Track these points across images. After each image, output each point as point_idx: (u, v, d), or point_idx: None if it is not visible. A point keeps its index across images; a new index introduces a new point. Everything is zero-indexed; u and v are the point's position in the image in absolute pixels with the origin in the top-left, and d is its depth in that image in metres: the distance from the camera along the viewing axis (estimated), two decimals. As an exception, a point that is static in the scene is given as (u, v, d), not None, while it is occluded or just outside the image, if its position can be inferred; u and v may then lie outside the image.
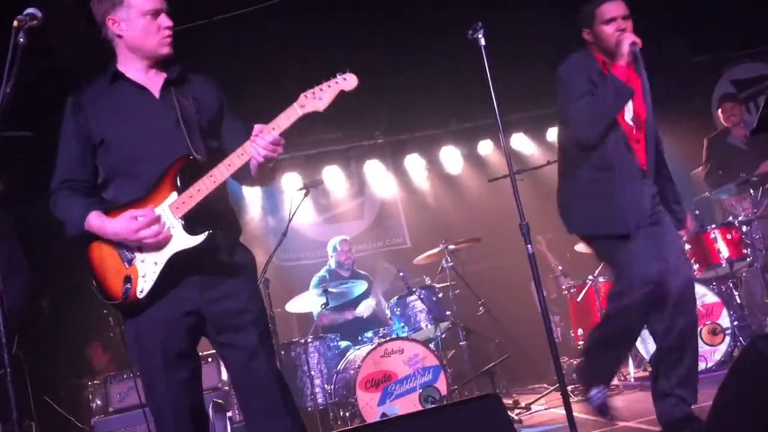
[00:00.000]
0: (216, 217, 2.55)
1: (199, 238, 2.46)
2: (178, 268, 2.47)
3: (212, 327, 2.55)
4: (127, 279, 2.47)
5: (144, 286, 2.46)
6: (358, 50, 6.29)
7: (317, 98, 2.50)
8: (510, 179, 3.33)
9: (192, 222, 2.47)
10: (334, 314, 6.07)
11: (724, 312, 5.15)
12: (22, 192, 4.93)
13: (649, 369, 5.21)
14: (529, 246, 2.91)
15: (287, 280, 7.16)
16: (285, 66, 5.96)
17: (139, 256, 2.48)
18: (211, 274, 2.53)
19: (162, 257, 2.46)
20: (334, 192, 8.12)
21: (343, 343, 5.73)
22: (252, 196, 7.70)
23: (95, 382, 5.00)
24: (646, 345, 5.08)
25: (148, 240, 2.43)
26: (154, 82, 2.62)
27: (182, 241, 2.46)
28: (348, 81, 2.53)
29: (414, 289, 5.60)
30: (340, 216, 8.21)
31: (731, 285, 5.45)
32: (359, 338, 5.61)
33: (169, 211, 2.48)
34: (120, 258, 2.50)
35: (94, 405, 4.91)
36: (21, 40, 2.26)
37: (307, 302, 5.96)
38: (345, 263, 6.45)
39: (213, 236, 2.47)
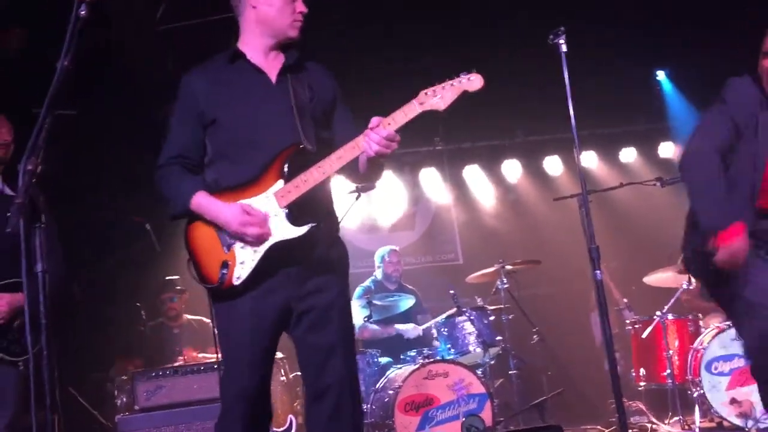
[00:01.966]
0: (319, 209, 2.62)
1: (303, 230, 2.52)
2: (276, 258, 2.54)
3: (296, 322, 2.61)
4: (225, 264, 2.55)
5: (241, 273, 2.53)
6: (422, 48, 6.32)
7: (438, 96, 2.52)
8: (580, 199, 3.29)
9: (296, 212, 2.53)
10: (377, 328, 6.06)
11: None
12: (61, 174, 5.07)
13: (717, 420, 5.08)
14: (597, 272, 2.87)
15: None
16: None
17: (238, 243, 2.55)
18: (307, 267, 2.59)
19: (263, 245, 2.53)
20: (385, 199, 8.12)
21: (384, 360, 5.71)
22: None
23: (122, 377, 5.09)
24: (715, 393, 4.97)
25: (249, 237, 2.51)
26: (272, 65, 2.70)
27: (285, 230, 2.53)
28: (473, 81, 2.55)
29: (464, 309, 5.55)
30: (390, 225, 8.22)
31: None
32: (401, 356, 5.59)
33: (274, 198, 2.54)
34: (220, 242, 2.58)
35: (119, 402, 5.00)
36: (82, 12, 2.31)
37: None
38: (392, 275, 6.45)
39: (316, 228, 2.53)
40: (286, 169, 2.54)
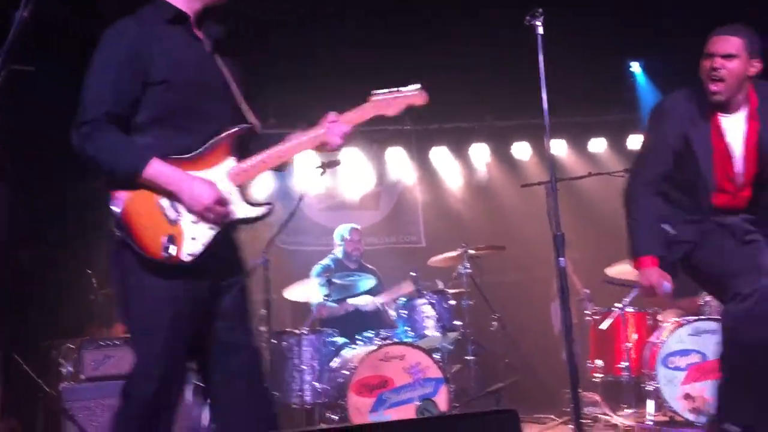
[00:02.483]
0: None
1: (261, 210, 2.53)
2: (222, 239, 2.51)
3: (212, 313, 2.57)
4: (171, 239, 2.44)
5: (193, 249, 2.45)
6: (390, 24, 6.28)
7: (387, 105, 2.66)
8: (547, 187, 3.30)
9: (247, 192, 2.53)
10: (335, 306, 6.05)
11: None
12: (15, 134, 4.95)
13: (670, 414, 5.19)
14: (561, 259, 2.89)
15: (287, 264, 7.14)
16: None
17: (187, 217, 2.47)
18: (234, 254, 2.62)
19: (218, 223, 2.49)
20: (350, 176, 8.07)
21: (341, 340, 5.71)
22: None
23: (68, 345, 5.00)
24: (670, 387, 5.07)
25: (213, 216, 2.46)
26: (204, 36, 2.65)
27: (243, 210, 2.52)
28: (417, 96, 2.70)
29: (425, 293, 5.58)
30: (353, 203, 8.18)
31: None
32: (358, 337, 5.60)
33: (227, 178, 2.52)
34: (163, 214, 2.46)
35: (65, 371, 4.92)
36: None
37: (307, 291, 5.94)
38: (353, 254, 6.44)
39: (272, 209, 2.55)
40: (236, 149, 2.54)
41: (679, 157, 3.25)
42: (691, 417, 5.03)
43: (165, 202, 2.46)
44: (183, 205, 2.46)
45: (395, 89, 2.68)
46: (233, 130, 2.53)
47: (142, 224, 2.45)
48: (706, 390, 5.03)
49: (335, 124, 2.60)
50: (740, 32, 3.18)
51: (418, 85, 2.70)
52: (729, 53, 3.13)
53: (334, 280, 5.74)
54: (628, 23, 6.43)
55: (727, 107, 3.23)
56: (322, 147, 2.64)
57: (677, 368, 5.16)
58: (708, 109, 3.24)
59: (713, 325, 5.04)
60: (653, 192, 3.27)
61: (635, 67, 7.89)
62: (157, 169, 2.43)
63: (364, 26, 6.40)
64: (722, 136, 3.24)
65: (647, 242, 3.24)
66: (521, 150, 8.26)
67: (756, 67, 3.19)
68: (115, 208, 2.45)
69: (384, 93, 2.67)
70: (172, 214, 2.46)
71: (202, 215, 2.45)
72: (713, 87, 3.16)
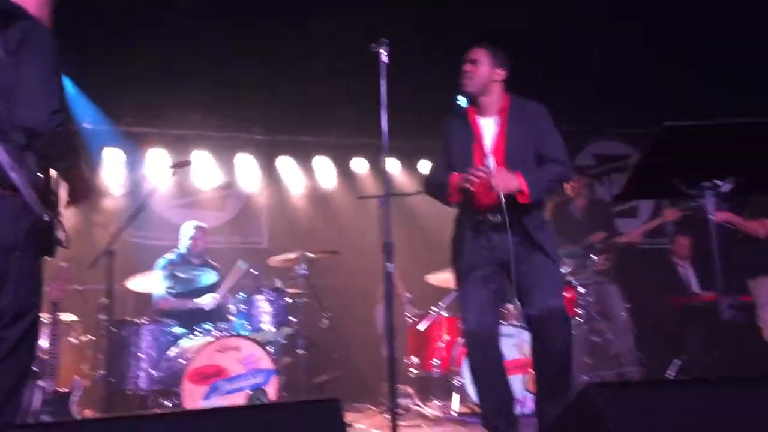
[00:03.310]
0: None
1: None
2: None
3: None
4: None
5: None
6: (245, 34, 6.16)
7: None
8: (381, 200, 3.35)
9: None
10: (177, 300, 5.81)
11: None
12: None
13: (471, 406, 5.39)
14: (389, 264, 2.92)
15: (133, 256, 6.79)
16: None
17: None
18: None
19: None
20: (199, 178, 7.84)
21: (179, 330, 5.50)
22: (115, 162, 7.31)
23: None
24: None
25: None
26: None
27: None
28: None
29: (263, 290, 5.49)
30: (201, 203, 7.93)
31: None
32: (197, 329, 5.41)
33: None
34: None
35: None
36: None
37: (150, 283, 5.68)
38: (196, 251, 6.23)
39: None
40: None
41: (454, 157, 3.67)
42: (489, 409, 5.24)
43: None
44: None
45: None
46: None
47: None
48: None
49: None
50: (485, 45, 3.74)
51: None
52: (474, 59, 3.71)
53: (177, 273, 5.53)
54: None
55: (483, 111, 3.70)
56: None
57: (481, 366, 5.37)
58: (468, 113, 3.74)
59: (512, 330, 5.30)
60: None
61: (462, 101, 8.18)
62: None
63: (215, 35, 6.22)
64: (479, 133, 3.65)
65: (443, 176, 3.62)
66: (359, 165, 8.37)
67: (500, 74, 3.71)
68: None
69: None
70: None
71: None
72: (463, 82, 3.72)
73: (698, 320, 6.39)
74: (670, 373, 5.93)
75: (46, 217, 2.50)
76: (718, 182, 2.49)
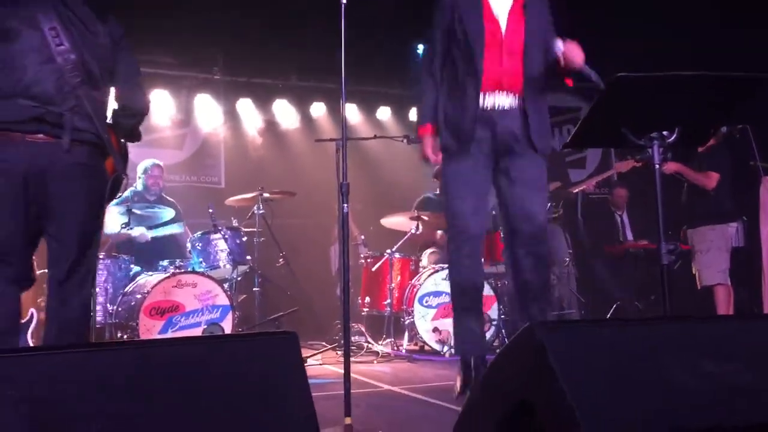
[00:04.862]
0: None
1: None
2: None
3: None
4: None
5: None
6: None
7: None
8: (338, 143, 3.29)
9: None
10: (133, 236, 5.70)
11: (495, 305, 5.52)
12: None
13: (420, 344, 5.48)
14: (345, 205, 2.88)
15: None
16: None
17: None
18: None
19: None
20: (158, 116, 7.62)
21: (136, 267, 5.41)
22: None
23: None
24: (422, 322, 5.35)
25: None
26: None
27: None
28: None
29: (220, 228, 5.42)
30: (158, 142, 7.74)
31: (506, 282, 5.84)
32: (154, 265, 5.33)
33: None
34: None
35: None
36: None
37: (106, 219, 5.52)
38: (152, 188, 6.08)
39: None
40: None
41: (457, 41, 3.20)
42: (437, 347, 5.35)
43: None
44: None
45: None
46: None
47: None
48: (449, 325, 5.36)
49: None
50: None
51: None
52: None
53: (134, 210, 5.40)
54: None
55: None
56: None
57: (429, 306, 5.45)
58: None
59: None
60: (431, 76, 3.31)
61: (420, 49, 8.08)
62: None
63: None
64: (492, 13, 3.18)
65: (427, 113, 3.31)
66: (318, 109, 8.25)
67: None
68: None
69: None
70: None
71: None
72: None
73: (634, 267, 6.58)
74: (609, 316, 6.11)
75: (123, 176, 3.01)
76: (665, 133, 2.50)
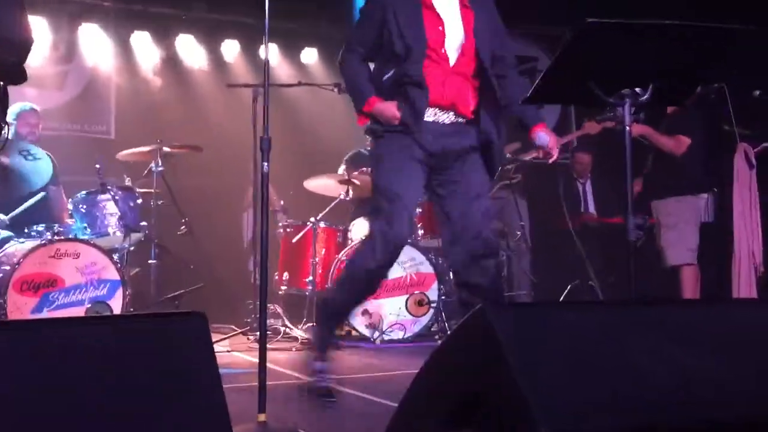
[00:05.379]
0: None
1: None
2: None
3: None
4: None
5: None
6: None
7: None
8: (254, 90, 3.23)
9: None
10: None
11: (435, 285, 5.59)
12: None
13: (348, 328, 5.52)
14: (264, 164, 2.84)
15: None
16: None
17: None
18: None
19: None
20: (35, 50, 7.30)
21: (4, 233, 5.23)
22: None
23: None
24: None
25: None
26: None
27: None
28: None
29: (109, 187, 5.28)
30: (33, 80, 7.42)
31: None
32: (27, 230, 5.16)
33: None
34: None
35: None
36: None
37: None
38: (27, 137, 5.86)
39: None
40: None
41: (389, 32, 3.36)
42: (366, 332, 5.40)
43: None
44: None
45: None
46: None
47: None
48: (382, 307, 5.43)
49: None
50: None
51: None
52: None
53: (2, 159, 5.20)
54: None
55: None
56: None
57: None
58: None
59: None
60: (359, 60, 3.49)
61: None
62: None
63: None
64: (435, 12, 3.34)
65: (368, 88, 3.43)
66: (231, 48, 8.08)
67: None
68: None
69: None
70: None
71: None
72: None
73: (595, 241, 6.75)
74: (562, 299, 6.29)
75: None
76: (638, 90, 2.56)
